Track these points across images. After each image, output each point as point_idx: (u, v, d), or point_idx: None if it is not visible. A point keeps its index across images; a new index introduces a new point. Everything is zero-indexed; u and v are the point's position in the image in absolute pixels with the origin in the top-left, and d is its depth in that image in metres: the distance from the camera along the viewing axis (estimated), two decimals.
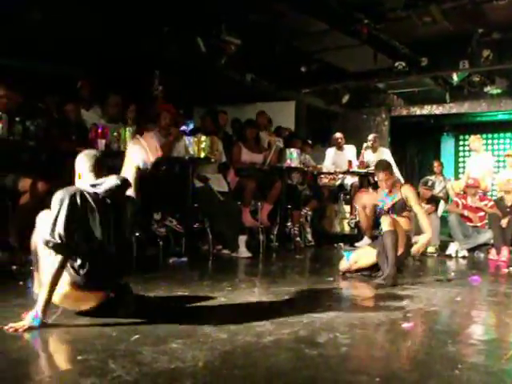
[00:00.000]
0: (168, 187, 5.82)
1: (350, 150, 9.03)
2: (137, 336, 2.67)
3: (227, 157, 6.83)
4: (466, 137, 12.51)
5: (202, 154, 5.76)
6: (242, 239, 6.17)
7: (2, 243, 4.72)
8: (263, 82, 9.04)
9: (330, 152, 8.83)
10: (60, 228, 2.81)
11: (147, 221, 5.57)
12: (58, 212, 2.86)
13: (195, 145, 5.72)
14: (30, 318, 2.75)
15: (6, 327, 2.70)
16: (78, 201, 2.91)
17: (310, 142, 8.80)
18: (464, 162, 12.50)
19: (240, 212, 6.49)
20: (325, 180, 8.49)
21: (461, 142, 13.21)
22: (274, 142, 7.57)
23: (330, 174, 8.51)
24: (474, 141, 8.88)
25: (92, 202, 2.94)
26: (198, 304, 3.52)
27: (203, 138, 5.80)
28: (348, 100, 10.27)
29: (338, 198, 8.94)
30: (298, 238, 7.52)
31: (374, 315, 3.37)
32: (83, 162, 3.13)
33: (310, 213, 8.02)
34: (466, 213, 7.32)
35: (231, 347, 2.57)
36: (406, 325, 3.12)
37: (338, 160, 8.68)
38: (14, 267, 4.56)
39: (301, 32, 7.57)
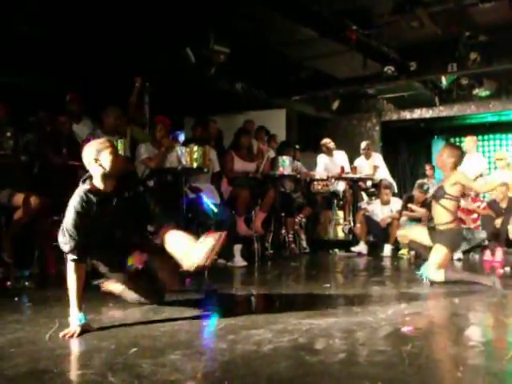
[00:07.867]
0: (161, 198, 5.80)
1: (340, 156, 9.06)
2: (135, 349, 2.65)
3: (221, 166, 6.82)
4: (457, 139, 12.56)
5: (195, 164, 5.73)
6: (237, 248, 6.16)
7: None
8: (253, 91, 9.06)
9: (322, 158, 8.84)
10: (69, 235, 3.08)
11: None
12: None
13: (187, 155, 5.70)
14: (76, 320, 2.97)
15: (60, 335, 2.87)
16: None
17: (297, 147, 8.82)
18: None
19: (234, 221, 6.47)
20: (318, 187, 8.49)
21: None
22: (267, 150, 7.58)
23: (322, 180, 8.52)
24: (470, 141, 8.86)
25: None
26: (195, 315, 3.49)
27: (195, 148, 5.77)
28: (338, 106, 10.31)
29: (331, 204, 8.95)
30: (292, 245, 7.53)
31: (372, 319, 3.35)
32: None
33: (304, 220, 8.03)
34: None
35: (231, 357, 2.54)
36: (405, 328, 3.11)
37: (330, 166, 8.70)
38: (9, 283, 4.53)
39: (290, 40, 7.59)
